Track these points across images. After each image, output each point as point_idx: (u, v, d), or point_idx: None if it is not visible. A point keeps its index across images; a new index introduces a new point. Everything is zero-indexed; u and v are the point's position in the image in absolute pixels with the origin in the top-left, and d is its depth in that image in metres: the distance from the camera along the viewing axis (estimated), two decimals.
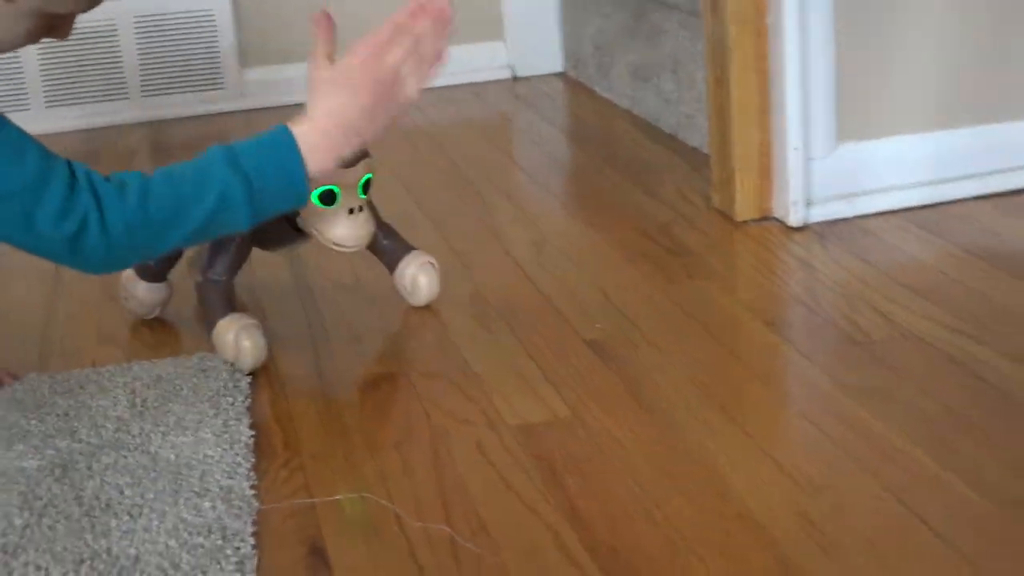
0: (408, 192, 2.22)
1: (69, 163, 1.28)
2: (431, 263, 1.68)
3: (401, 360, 1.59)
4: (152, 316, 1.75)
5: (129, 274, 1.72)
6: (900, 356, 1.50)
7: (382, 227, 1.67)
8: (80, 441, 1.41)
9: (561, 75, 3.00)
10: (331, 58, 1.35)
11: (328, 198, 1.54)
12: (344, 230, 1.55)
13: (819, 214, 1.92)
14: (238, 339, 1.55)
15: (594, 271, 1.78)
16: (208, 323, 1.60)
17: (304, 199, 1.35)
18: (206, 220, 1.30)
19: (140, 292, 1.73)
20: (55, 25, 1.36)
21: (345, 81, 1.33)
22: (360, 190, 1.57)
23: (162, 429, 1.41)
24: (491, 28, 3.01)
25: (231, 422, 1.42)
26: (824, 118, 1.92)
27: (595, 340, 1.58)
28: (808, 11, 1.86)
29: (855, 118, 1.94)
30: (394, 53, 1.33)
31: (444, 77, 2.84)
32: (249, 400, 1.48)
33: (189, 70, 2.89)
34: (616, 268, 1.83)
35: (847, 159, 1.94)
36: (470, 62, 2.99)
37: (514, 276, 1.82)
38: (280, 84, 2.89)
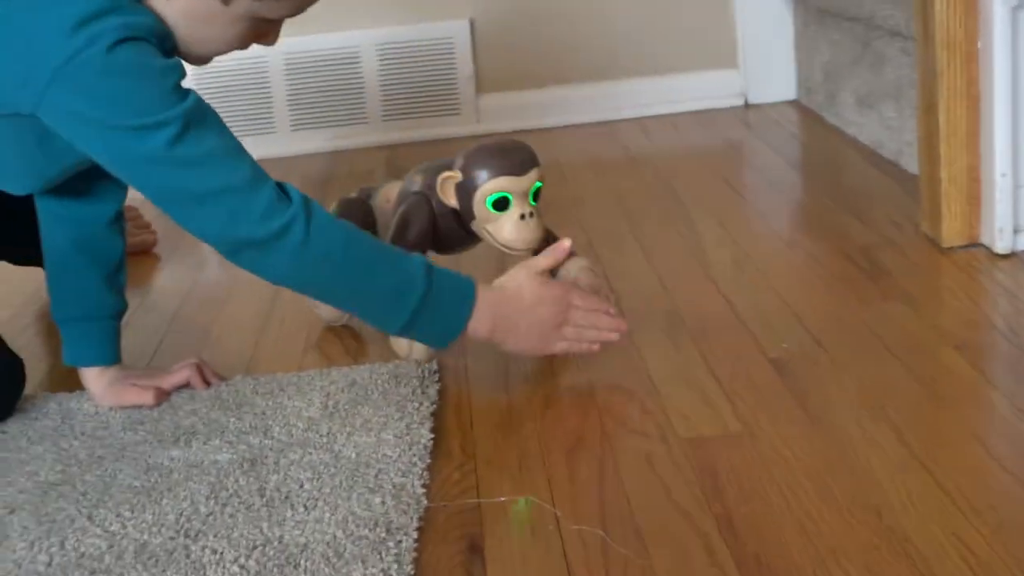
0: (622, 213, 2.26)
1: (279, 183, 1.39)
2: (590, 268, 1.71)
3: (586, 371, 1.62)
4: (341, 323, 1.82)
5: None
6: None
7: (548, 234, 1.71)
8: (272, 438, 1.48)
9: (793, 103, 3.00)
10: (549, 274, 1.57)
11: (501, 204, 1.63)
12: (515, 233, 1.64)
13: None
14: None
15: (789, 290, 1.79)
16: None
17: (443, 346, 1.53)
18: (375, 298, 1.46)
19: None
20: (264, 31, 1.45)
21: (540, 300, 1.53)
22: (531, 197, 1.64)
23: (348, 430, 1.48)
24: (725, 56, 3.03)
25: (413, 425, 1.47)
26: None
27: (778, 359, 1.59)
28: (1019, 36, 1.84)
29: None
30: (580, 318, 1.55)
31: (676, 104, 2.92)
32: (435, 406, 1.53)
33: (427, 95, 2.98)
34: (811, 288, 1.83)
35: None
36: (702, 89, 3.02)
37: (709, 294, 1.84)
38: (513, 110, 2.97)
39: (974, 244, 1.92)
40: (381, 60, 2.96)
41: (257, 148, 2.86)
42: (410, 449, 1.42)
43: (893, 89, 2.39)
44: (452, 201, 1.68)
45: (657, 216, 2.23)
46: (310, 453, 1.43)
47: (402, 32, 2.96)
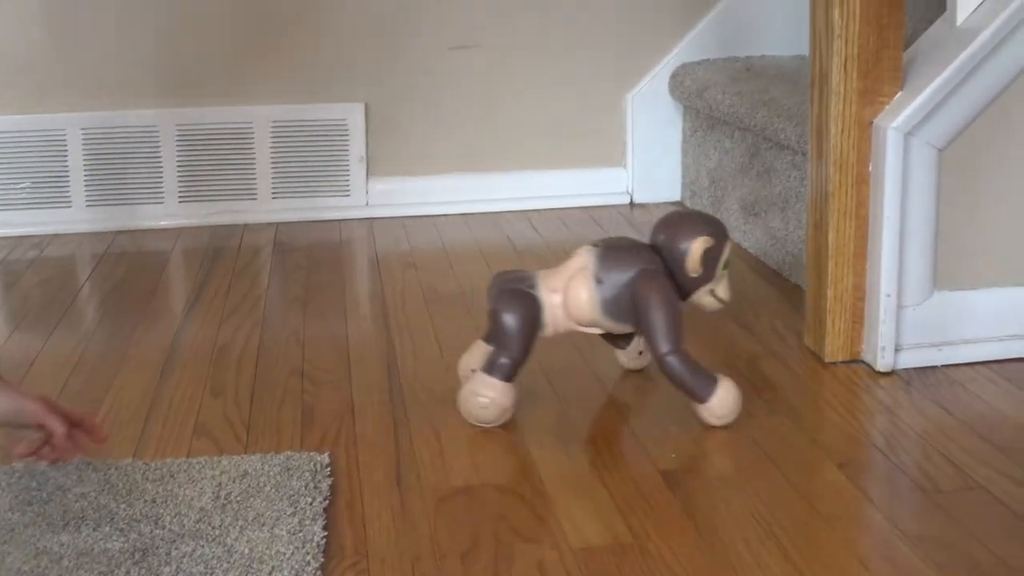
0: None
1: None
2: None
3: (480, 473, 1.63)
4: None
5: (492, 381, 1.77)
6: (965, 508, 1.52)
7: None
8: (163, 528, 1.47)
9: (677, 203, 3.05)
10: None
11: (725, 264, 1.80)
12: (729, 291, 1.84)
13: (908, 360, 1.95)
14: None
15: (679, 400, 1.82)
16: (707, 389, 1.74)
17: None
18: None
19: (508, 399, 1.78)
20: None
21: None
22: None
23: (241, 523, 1.48)
24: (614, 154, 3.08)
25: (306, 521, 1.47)
26: (919, 266, 1.94)
27: (668, 470, 1.62)
28: (911, 161, 1.90)
29: (951, 268, 1.97)
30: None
31: (563, 199, 2.95)
32: (328, 501, 1.54)
33: (318, 176, 2.99)
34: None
35: (940, 308, 1.97)
36: (590, 186, 3.06)
37: (601, 399, 1.87)
38: (403, 195, 3.00)
39: (856, 360, 1.97)
40: (274, 137, 2.96)
41: (144, 217, 2.88)
42: (303, 547, 1.42)
43: (780, 200, 2.45)
44: (699, 269, 1.77)
45: None
46: (202, 546, 1.43)
47: (297, 111, 2.97)
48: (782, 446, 1.69)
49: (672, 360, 1.73)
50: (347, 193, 3.01)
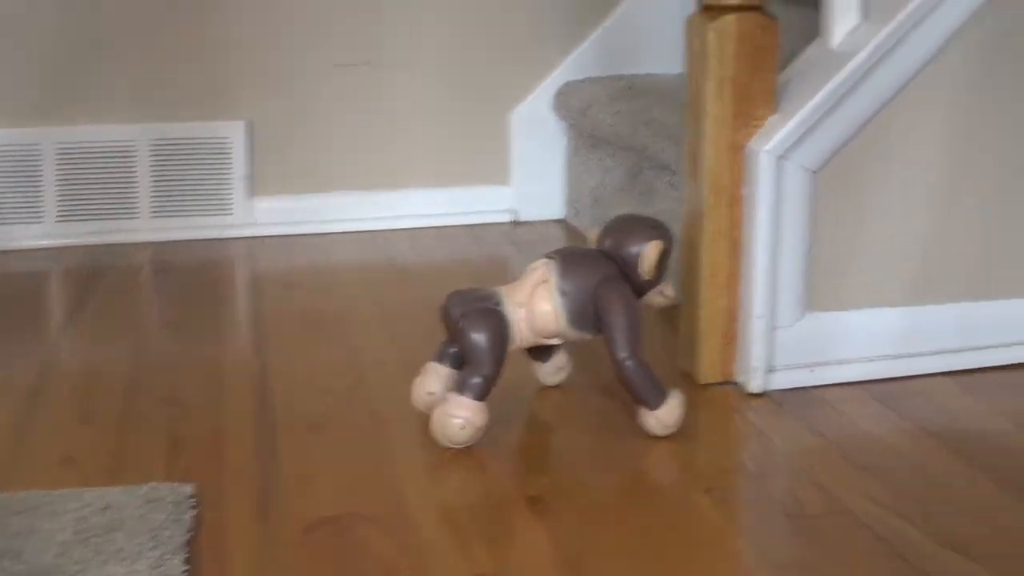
0: (385, 329, 2.26)
1: None
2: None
3: (348, 502, 1.61)
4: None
5: (465, 401, 1.75)
6: (831, 533, 1.52)
7: None
8: (24, 563, 1.44)
9: (561, 222, 3.05)
10: None
11: None
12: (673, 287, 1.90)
13: (780, 381, 1.96)
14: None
15: (548, 424, 1.81)
16: (659, 398, 1.77)
17: None
18: None
19: (482, 419, 1.76)
20: None
21: None
22: None
23: (102, 557, 1.45)
24: (497, 172, 3.07)
25: (167, 556, 1.45)
26: (792, 288, 1.95)
27: (536, 496, 1.61)
28: (783, 183, 1.91)
29: (824, 289, 1.98)
30: None
31: (444, 217, 2.94)
32: (190, 535, 1.51)
33: (200, 194, 2.96)
34: (571, 423, 1.86)
35: (812, 329, 1.98)
36: (473, 204, 3.05)
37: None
38: (286, 214, 2.97)
39: (729, 382, 1.98)
40: (155, 155, 2.92)
41: (23, 237, 2.83)
42: None
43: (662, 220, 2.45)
44: (654, 272, 1.82)
45: (419, 328, 2.24)
46: None
47: (178, 129, 2.93)
48: (652, 470, 1.69)
49: (630, 365, 1.75)
50: (229, 212, 2.98)
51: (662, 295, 1.86)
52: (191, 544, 1.50)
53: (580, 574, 1.42)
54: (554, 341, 1.85)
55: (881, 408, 1.90)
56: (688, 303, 2.00)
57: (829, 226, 1.96)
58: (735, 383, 1.98)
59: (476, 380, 1.74)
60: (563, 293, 1.79)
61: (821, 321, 1.98)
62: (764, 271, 1.92)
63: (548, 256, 1.83)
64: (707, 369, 1.98)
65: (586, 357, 2.02)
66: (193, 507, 1.58)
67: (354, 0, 2.95)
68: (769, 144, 1.90)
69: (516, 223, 3.07)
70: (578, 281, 1.79)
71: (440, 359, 1.83)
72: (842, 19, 1.97)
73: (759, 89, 1.94)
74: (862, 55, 1.91)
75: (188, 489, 1.62)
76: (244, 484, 1.66)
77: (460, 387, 1.75)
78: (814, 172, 1.94)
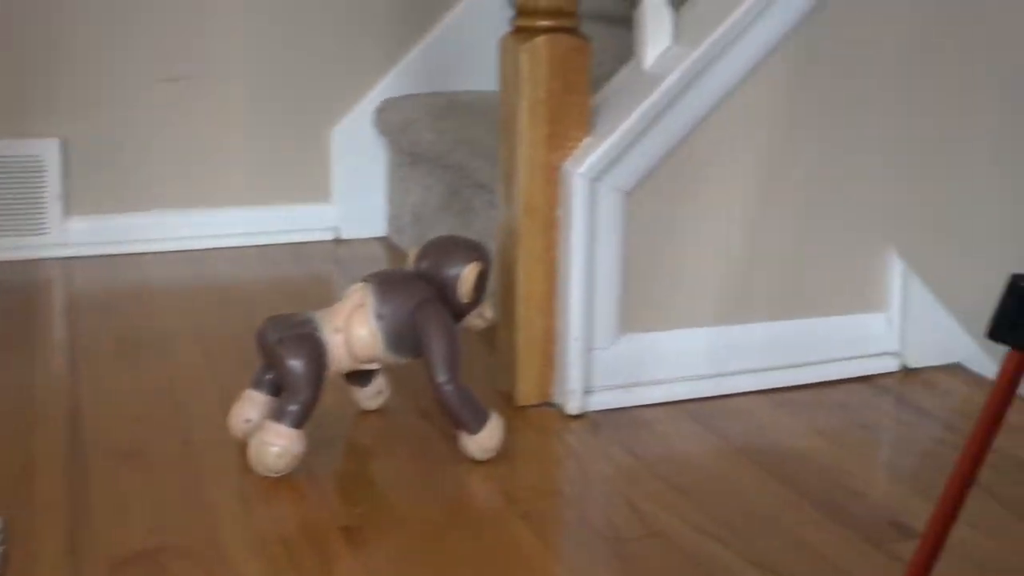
0: (203, 352, 2.23)
1: None
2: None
3: (161, 535, 1.59)
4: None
5: (282, 429, 1.73)
6: (646, 555, 1.53)
7: None
8: None
9: (383, 239, 3.05)
10: None
11: None
12: (492, 308, 1.90)
13: (598, 402, 1.97)
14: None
15: (367, 450, 1.80)
16: (479, 422, 1.76)
17: None
18: None
19: (300, 446, 1.74)
20: None
21: None
22: None
23: None
24: (319, 190, 3.05)
25: None
26: (608, 309, 1.97)
27: (350, 526, 1.60)
28: (598, 205, 1.92)
29: (639, 310, 2.00)
30: None
31: (266, 236, 2.92)
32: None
33: (12, 214, 2.89)
34: (390, 449, 1.85)
35: (628, 350, 1.99)
36: (295, 222, 3.03)
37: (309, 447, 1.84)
38: (103, 233, 2.91)
39: (547, 403, 1.99)
40: None
41: None
42: None
43: (479, 239, 2.45)
44: (472, 294, 1.82)
45: (240, 359, 2.21)
46: None
47: None
48: (469, 496, 1.69)
49: (449, 389, 1.75)
50: (44, 232, 2.91)
51: (481, 317, 1.86)
52: None
53: None
54: (373, 366, 1.84)
55: (697, 427, 1.92)
56: (505, 325, 2.01)
57: (643, 247, 1.98)
58: (554, 404, 1.99)
59: (293, 407, 1.73)
60: (380, 317, 1.78)
61: (637, 342, 2.00)
62: (580, 293, 1.93)
63: (365, 279, 1.82)
64: (526, 391, 1.99)
65: (405, 381, 2.01)
66: (2, 542, 1.54)
67: (172, 16, 2.91)
68: (583, 166, 1.91)
69: (338, 241, 3.05)
70: (395, 305, 1.78)
71: (257, 385, 1.81)
72: (654, 41, 1.99)
73: (572, 111, 1.95)
74: (673, 77, 1.93)
75: None
76: (54, 517, 1.62)
77: (277, 415, 1.73)
78: (627, 193, 1.96)
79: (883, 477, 1.80)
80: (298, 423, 1.73)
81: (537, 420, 1.94)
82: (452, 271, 1.82)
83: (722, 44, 1.94)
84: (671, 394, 2.01)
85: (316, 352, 1.75)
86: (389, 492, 1.70)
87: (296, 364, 1.73)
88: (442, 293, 1.81)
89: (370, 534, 1.58)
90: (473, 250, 1.84)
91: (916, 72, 2.09)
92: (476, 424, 1.76)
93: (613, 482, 1.74)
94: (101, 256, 2.89)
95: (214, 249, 2.97)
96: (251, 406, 1.81)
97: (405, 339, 1.79)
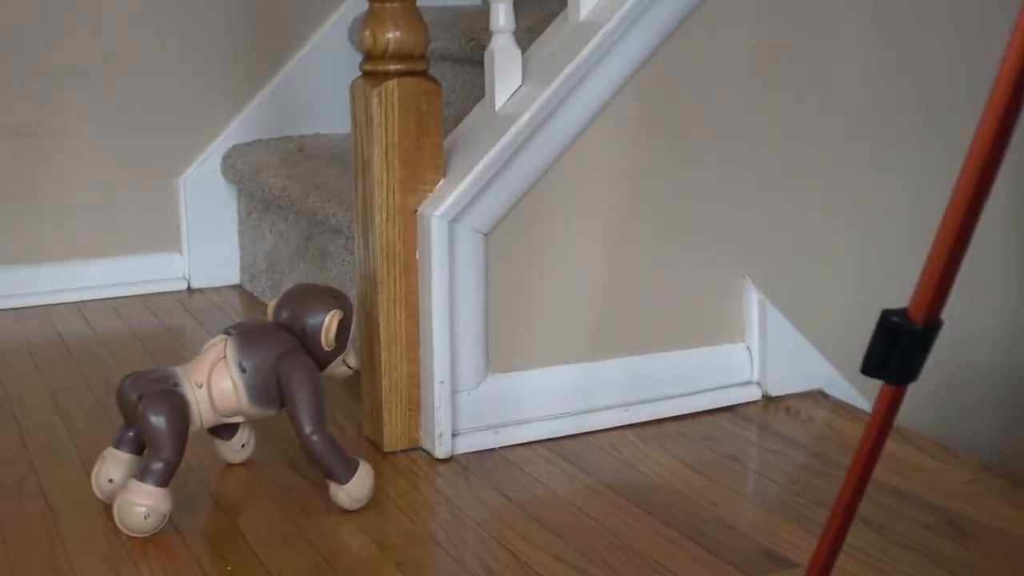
0: (57, 412, 2.18)
1: None
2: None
3: None
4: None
5: (148, 488, 1.68)
6: None
7: None
8: None
9: (237, 287, 3.01)
10: None
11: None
12: (356, 356, 1.88)
13: (466, 445, 1.96)
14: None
15: (236, 504, 1.77)
16: (348, 472, 1.74)
17: None
18: None
19: (166, 505, 1.70)
20: None
21: None
22: None
23: None
24: (168, 239, 3.01)
25: None
26: (472, 351, 1.96)
27: None
28: (456, 247, 1.92)
29: (503, 350, 1.99)
30: None
31: (115, 288, 2.87)
32: None
33: None
34: (258, 501, 1.82)
35: (494, 390, 1.99)
36: (145, 272, 2.98)
37: (184, 503, 1.80)
38: None
39: (415, 448, 1.97)
40: None
41: None
42: None
43: (337, 285, 2.43)
44: (333, 342, 1.79)
45: (97, 417, 2.17)
46: None
47: None
48: (341, 548, 1.67)
49: (316, 440, 1.72)
50: None
51: (345, 365, 1.84)
52: None
53: None
54: (237, 419, 1.81)
55: (565, 465, 1.92)
56: (369, 371, 1.99)
57: (504, 287, 1.98)
58: (422, 449, 1.97)
59: (158, 465, 1.69)
60: (243, 369, 1.75)
61: (502, 382, 2.00)
62: (442, 336, 1.92)
63: (226, 331, 1.79)
64: (393, 437, 1.97)
65: (270, 431, 1.99)
66: None
67: (12, 68, 2.85)
68: (439, 209, 1.90)
69: (191, 291, 3.01)
70: (258, 356, 1.76)
71: (118, 445, 1.78)
72: (503, 82, 2.00)
73: (426, 154, 1.94)
74: (525, 117, 1.94)
75: None
76: None
77: (141, 474, 1.70)
78: (486, 235, 1.95)
79: (752, 507, 1.81)
80: (163, 481, 1.69)
81: (406, 466, 1.93)
82: (313, 320, 1.80)
83: (572, 82, 1.95)
84: (538, 433, 2.01)
85: (179, 408, 1.72)
86: (259, 547, 1.67)
87: (159, 421, 1.70)
88: (304, 342, 1.79)
89: None
90: (333, 297, 1.82)
91: (766, 104, 2.12)
92: (346, 473, 1.74)
93: (486, 525, 1.73)
94: None
95: (61, 304, 2.91)
96: (114, 466, 1.77)
97: (270, 391, 1.76)
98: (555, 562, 1.62)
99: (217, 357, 1.76)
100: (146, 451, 1.72)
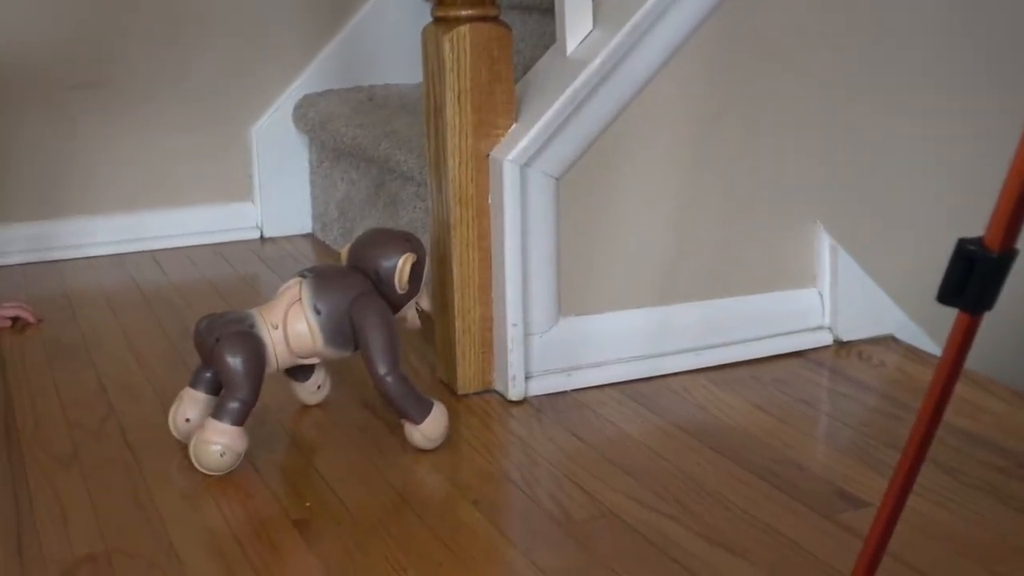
0: (134, 356, 2.21)
1: None
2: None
3: (107, 538, 1.57)
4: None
5: (223, 427, 1.71)
6: (599, 536, 1.54)
7: None
8: None
9: (309, 236, 3.03)
10: None
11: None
12: (429, 300, 1.90)
13: (538, 387, 1.98)
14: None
15: (312, 444, 1.79)
16: (422, 412, 1.76)
17: None
18: None
19: (241, 444, 1.73)
20: None
21: None
22: None
23: None
24: (241, 188, 3.04)
25: None
26: (543, 294, 1.97)
27: (301, 519, 1.59)
28: (528, 192, 1.93)
29: (574, 294, 2.00)
30: None
31: (189, 237, 2.90)
32: None
33: None
34: (335, 442, 1.84)
35: (566, 333, 2.00)
36: (218, 222, 3.01)
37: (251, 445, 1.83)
38: (23, 241, 2.88)
39: (488, 390, 1.99)
40: None
41: None
42: None
43: (408, 230, 2.44)
44: (407, 285, 1.81)
45: (172, 360, 2.20)
46: None
47: None
48: (417, 485, 1.69)
49: (390, 380, 1.74)
50: None
51: (417, 307, 1.86)
52: None
53: None
54: (312, 361, 1.83)
55: (639, 408, 1.93)
56: (443, 314, 2.01)
57: (575, 231, 1.99)
58: (495, 391, 1.99)
59: (234, 405, 1.72)
60: (318, 312, 1.77)
61: (574, 326, 2.01)
62: (515, 279, 1.94)
63: (301, 274, 1.81)
64: (466, 379, 1.99)
65: (345, 374, 2.01)
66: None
67: (87, 22, 2.87)
68: (512, 153, 1.91)
69: (264, 240, 3.03)
70: (332, 299, 1.78)
71: (195, 385, 1.80)
72: (575, 27, 2.00)
73: (498, 99, 1.95)
74: (596, 62, 1.94)
75: None
76: None
77: (217, 413, 1.72)
78: (557, 179, 1.96)
79: (825, 449, 1.82)
80: (239, 420, 1.72)
81: (479, 407, 1.95)
82: (387, 263, 1.81)
83: (644, 27, 1.95)
84: (610, 376, 2.02)
85: (255, 349, 1.74)
86: (337, 485, 1.69)
87: (236, 362, 1.72)
88: (378, 286, 1.81)
89: (323, 527, 1.58)
90: (406, 240, 1.84)
91: (838, 50, 2.11)
92: (420, 414, 1.76)
93: (559, 464, 1.75)
94: (18, 265, 2.86)
95: (135, 253, 2.94)
96: (191, 405, 1.80)
97: (344, 333, 1.78)
98: (628, 501, 1.63)
99: (293, 299, 1.78)
100: (222, 391, 1.74)
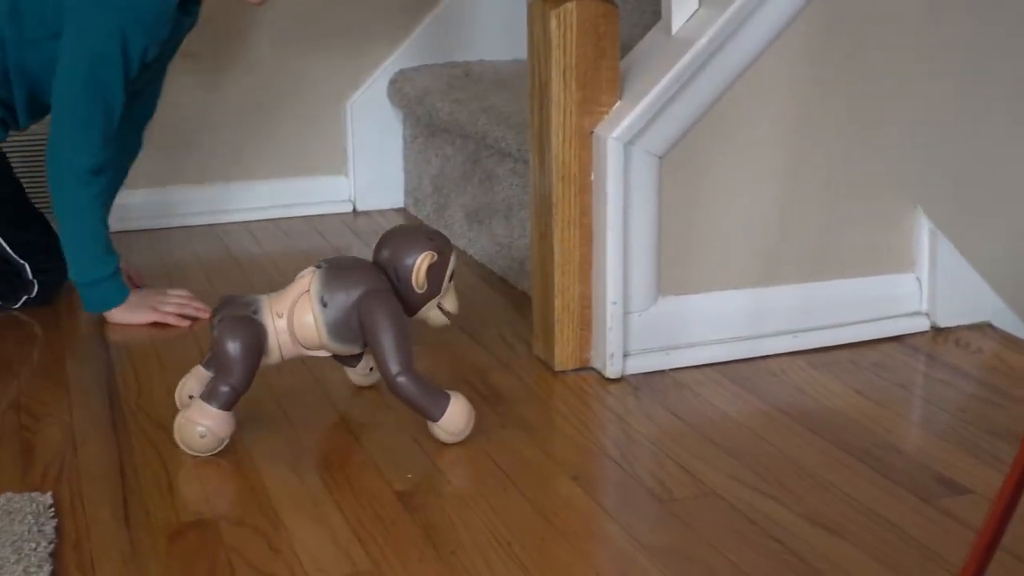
0: None
1: None
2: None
3: (211, 505, 1.59)
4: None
5: (210, 409, 1.71)
6: (700, 515, 1.54)
7: None
8: None
9: (401, 211, 3.04)
10: None
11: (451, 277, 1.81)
12: (457, 301, 1.84)
13: (636, 366, 1.97)
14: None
15: (411, 418, 1.80)
16: (439, 409, 1.72)
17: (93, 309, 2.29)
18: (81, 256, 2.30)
19: (225, 429, 1.73)
20: None
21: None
22: None
23: None
24: (335, 162, 3.05)
25: (32, 568, 1.41)
26: (644, 273, 1.97)
27: (404, 491, 1.61)
28: (631, 170, 1.92)
29: (674, 273, 2.00)
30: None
31: (282, 209, 2.91)
32: (53, 545, 1.47)
33: None
34: (416, 419, 1.85)
35: (665, 313, 2.00)
36: (312, 195, 3.03)
37: (333, 423, 1.84)
38: (119, 209, 2.89)
39: (586, 368, 1.99)
40: None
41: None
42: None
43: (503, 207, 2.46)
44: (424, 284, 1.75)
45: None
46: None
47: None
48: (516, 460, 1.70)
49: (402, 381, 1.70)
50: None
51: (439, 308, 1.83)
52: (55, 555, 1.46)
53: (458, 566, 1.42)
54: (321, 353, 1.79)
55: (737, 389, 1.93)
56: (542, 291, 2.01)
57: (676, 211, 1.98)
58: (592, 369, 1.99)
59: (224, 389, 1.70)
60: (323, 304, 1.73)
61: (673, 305, 2.01)
62: (616, 257, 1.94)
63: (318, 264, 1.78)
64: (564, 356, 1.99)
65: (438, 346, 2.02)
66: (54, 517, 1.54)
67: None
68: (616, 131, 1.91)
69: (356, 213, 3.05)
70: (340, 292, 1.74)
71: (207, 363, 1.79)
72: (681, 5, 1.99)
73: (603, 76, 1.95)
74: (702, 41, 1.93)
75: (47, 498, 1.58)
76: (103, 491, 1.63)
77: (207, 394, 1.71)
78: (660, 157, 1.96)
79: (924, 434, 1.81)
80: (226, 405, 1.71)
81: (576, 385, 1.95)
82: (406, 260, 1.77)
83: (751, 6, 1.94)
84: (708, 356, 2.02)
85: (253, 335, 1.72)
86: (433, 459, 1.70)
87: (231, 346, 1.70)
88: (396, 284, 1.77)
89: (424, 499, 1.59)
90: (429, 239, 1.79)
91: (936, 35, 2.09)
92: (436, 411, 1.72)
93: (659, 442, 1.75)
94: (120, 232, 2.88)
95: (229, 223, 2.96)
96: (197, 383, 1.79)
97: (349, 328, 1.74)
98: (729, 480, 1.63)
99: (302, 289, 1.76)
100: (215, 373, 1.73)
